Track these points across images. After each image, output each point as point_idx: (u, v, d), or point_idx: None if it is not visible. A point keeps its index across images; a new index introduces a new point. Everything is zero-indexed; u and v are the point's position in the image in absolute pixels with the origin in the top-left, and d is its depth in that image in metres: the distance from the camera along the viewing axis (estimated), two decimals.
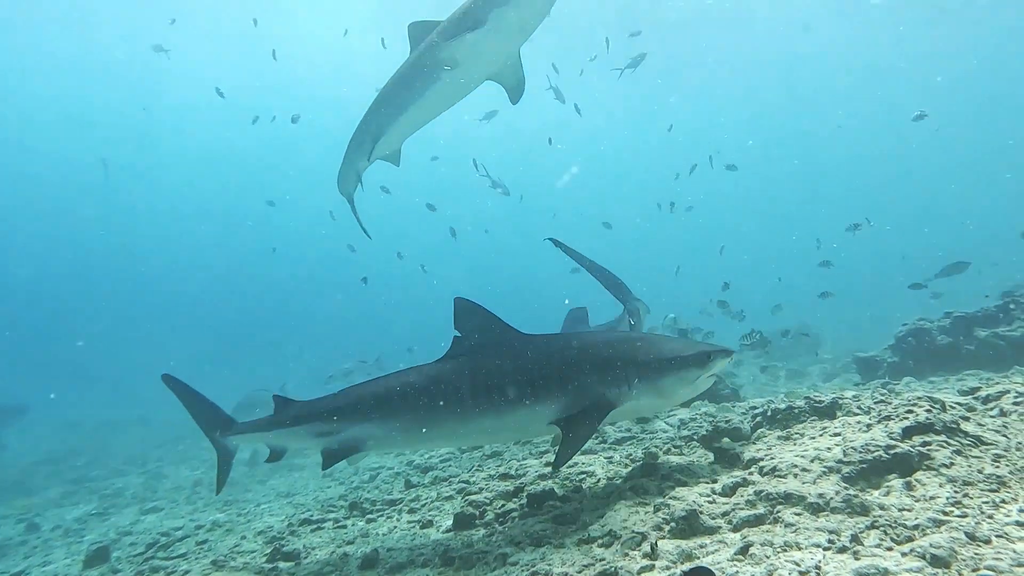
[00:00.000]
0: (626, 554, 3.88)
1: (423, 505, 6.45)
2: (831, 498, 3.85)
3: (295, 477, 11.07)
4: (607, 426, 8.23)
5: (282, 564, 5.16)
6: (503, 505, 5.43)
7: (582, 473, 6.00)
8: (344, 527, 6.27)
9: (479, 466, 7.87)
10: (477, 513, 5.31)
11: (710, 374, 5.15)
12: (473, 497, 5.73)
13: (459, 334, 5.28)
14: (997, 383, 5.91)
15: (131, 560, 6.24)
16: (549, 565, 3.98)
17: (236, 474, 12.71)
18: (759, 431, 5.77)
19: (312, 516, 6.71)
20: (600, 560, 3.81)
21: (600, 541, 4.18)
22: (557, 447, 4.95)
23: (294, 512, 7.52)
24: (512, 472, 6.69)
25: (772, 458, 4.79)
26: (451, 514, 5.47)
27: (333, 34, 38.30)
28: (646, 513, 4.44)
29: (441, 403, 5.04)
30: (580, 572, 3.79)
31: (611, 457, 6.55)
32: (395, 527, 5.86)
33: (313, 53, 49.46)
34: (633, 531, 4.13)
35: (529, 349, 5.18)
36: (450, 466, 8.44)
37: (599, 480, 5.71)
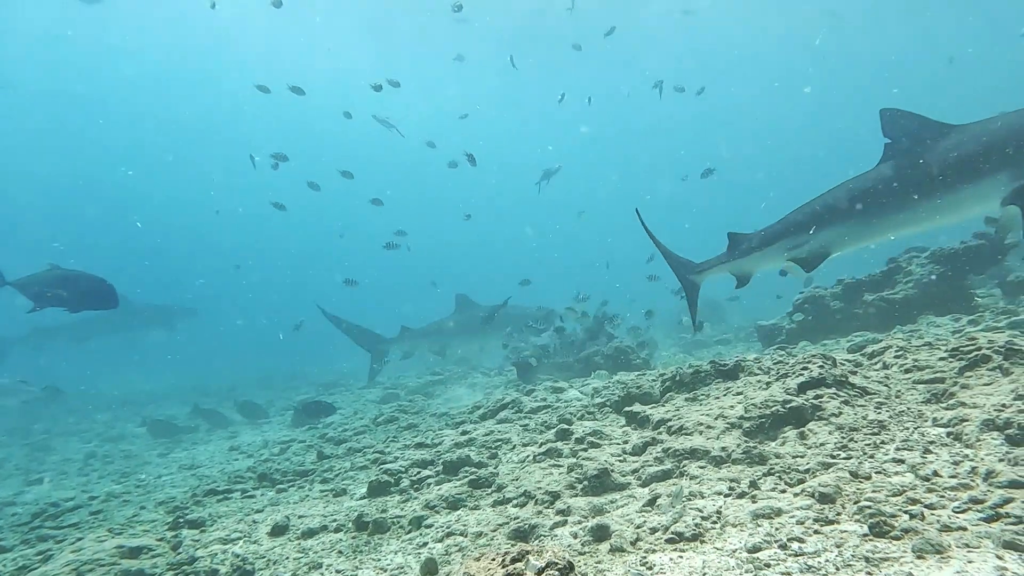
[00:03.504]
0: (540, 512, 3.92)
1: (336, 475, 6.26)
2: (732, 451, 4.04)
3: (199, 450, 10.47)
4: (523, 397, 8.30)
5: (186, 531, 4.87)
6: (419, 472, 5.35)
7: (498, 440, 6.01)
8: (253, 497, 5.99)
9: (394, 437, 7.75)
10: (392, 480, 5.21)
11: None
12: (388, 466, 5.62)
13: (889, 140, 5.98)
14: (881, 340, 6.38)
15: (14, 529, 5.68)
16: (464, 526, 3.97)
17: (134, 447, 11.97)
18: (668, 394, 5.97)
19: (218, 487, 6.37)
20: (515, 519, 3.83)
21: (515, 502, 4.22)
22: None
23: (198, 484, 7.12)
24: (428, 442, 6.62)
25: (680, 418, 4.99)
26: (365, 483, 5.34)
27: None
28: (560, 474, 4.51)
29: (892, 197, 5.79)
30: (495, 531, 3.80)
31: (526, 425, 6.61)
32: (307, 496, 5.66)
33: None
34: (547, 491, 4.18)
35: (962, 136, 5.61)
36: (364, 438, 8.25)
37: (514, 446, 5.74)
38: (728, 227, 7.50)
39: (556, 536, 3.50)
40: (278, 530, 4.57)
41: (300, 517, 4.84)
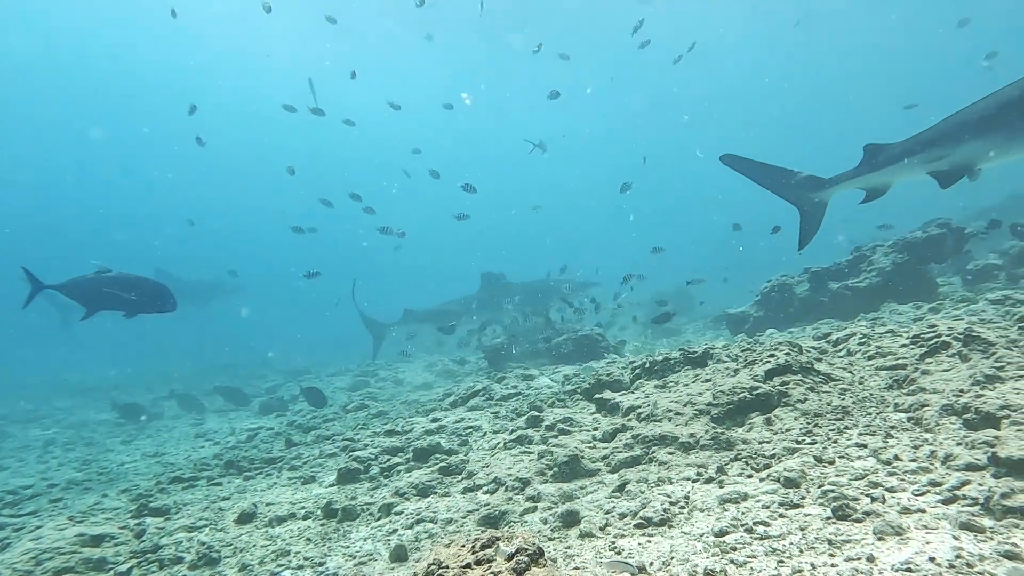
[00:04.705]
0: (510, 498, 3.92)
1: (305, 463, 6.19)
2: (701, 437, 4.09)
3: (164, 438, 10.24)
4: (494, 384, 8.30)
5: (150, 519, 4.76)
6: (388, 460, 5.31)
7: (469, 427, 6.00)
8: (219, 484, 5.89)
9: (364, 424, 7.68)
10: (362, 468, 5.16)
11: None
12: (358, 453, 5.56)
13: None
14: (845, 328, 6.54)
15: None
16: (434, 512, 3.95)
17: (96, 434, 11.67)
18: (638, 382, 6.01)
19: (184, 474, 6.24)
20: (485, 505, 3.82)
21: (485, 488, 4.21)
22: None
23: (163, 471, 6.98)
24: (398, 429, 6.58)
25: (649, 405, 5.02)
26: (335, 470, 5.28)
27: None
28: (530, 461, 4.51)
29: None
30: (465, 517, 3.78)
31: (497, 412, 6.61)
32: (275, 483, 5.58)
33: None
34: (517, 477, 4.18)
35: None
36: (334, 425, 8.18)
37: (485, 433, 5.73)
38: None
39: (526, 522, 3.50)
40: (245, 517, 4.50)
41: (268, 504, 4.77)
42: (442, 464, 4.79)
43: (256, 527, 4.36)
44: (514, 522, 3.55)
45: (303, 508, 4.55)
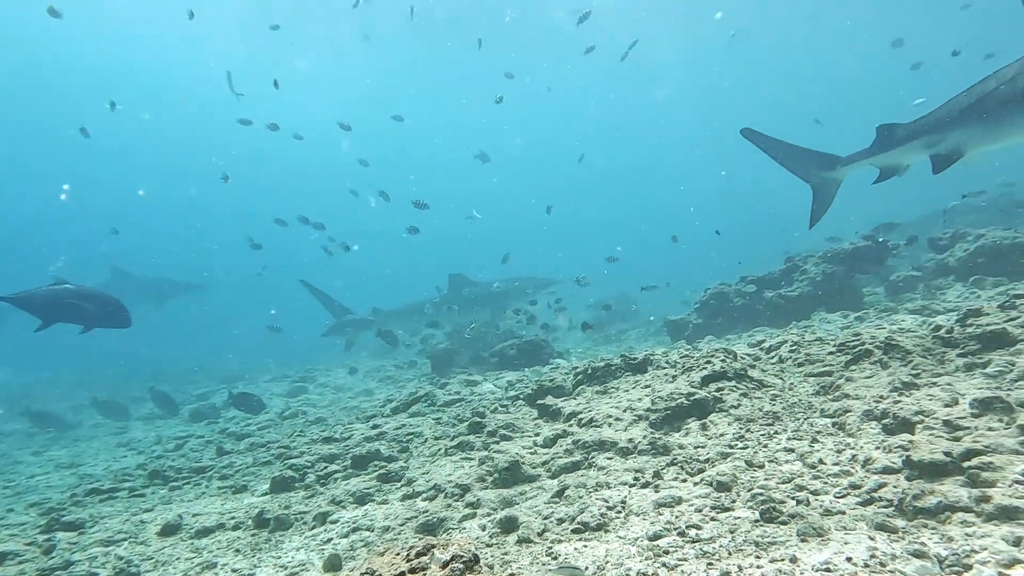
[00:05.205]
0: (449, 505, 3.88)
1: (237, 471, 5.94)
2: (639, 442, 4.15)
3: (82, 448, 9.63)
4: (437, 390, 8.23)
5: (62, 534, 4.44)
6: (326, 467, 5.17)
7: (410, 434, 5.91)
8: (142, 496, 5.57)
9: (301, 432, 7.46)
10: (297, 476, 5.00)
11: None
12: (293, 461, 5.39)
13: None
14: (778, 335, 6.79)
15: None
16: (372, 520, 3.86)
17: (4, 446, 10.87)
18: (580, 388, 6.07)
19: (102, 486, 5.87)
20: (424, 512, 3.77)
21: (425, 495, 4.15)
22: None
23: (79, 483, 6.56)
24: (336, 436, 6.41)
25: (590, 410, 5.07)
26: (268, 479, 5.09)
27: None
28: (471, 467, 4.48)
29: None
30: (403, 525, 3.72)
31: (439, 418, 6.54)
32: (203, 493, 5.33)
33: None
34: (457, 484, 4.14)
35: None
36: (269, 432, 7.90)
37: (426, 439, 5.66)
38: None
39: (465, 528, 3.47)
40: (169, 529, 4.28)
41: (195, 515, 4.55)
42: (381, 471, 4.70)
43: (181, 539, 4.15)
44: (452, 529, 3.51)
45: (233, 518, 4.36)
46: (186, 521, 4.41)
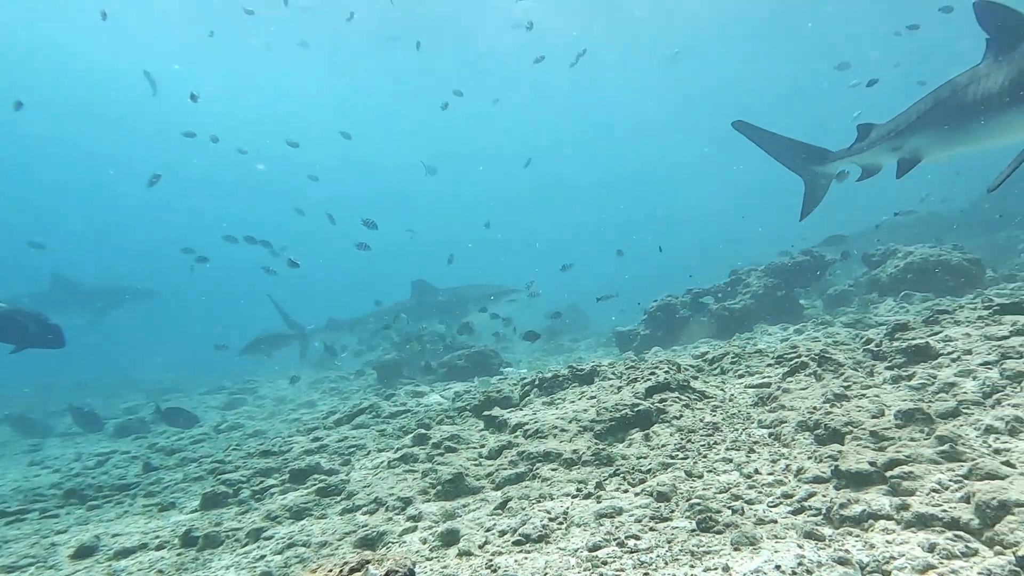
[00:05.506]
0: (390, 519, 3.79)
1: (165, 488, 5.65)
2: (583, 453, 4.16)
3: None
4: (382, 402, 8.08)
5: None
6: (262, 482, 4.98)
7: (352, 446, 5.77)
8: (56, 516, 5.21)
9: (237, 445, 7.17)
10: (231, 491, 4.80)
11: None
12: (228, 476, 5.16)
13: (988, 36, 5.43)
14: (721, 347, 6.96)
15: None
16: (308, 536, 3.73)
17: None
18: (527, 398, 6.07)
19: (9, 508, 5.45)
20: (363, 527, 3.67)
21: (365, 509, 4.05)
22: None
23: None
24: (275, 449, 6.19)
25: (536, 421, 5.06)
26: (199, 495, 4.87)
27: None
28: (414, 479, 4.40)
29: (986, 100, 5.22)
30: (341, 540, 3.60)
31: (384, 430, 6.42)
32: (126, 512, 5.03)
33: None
34: (399, 497, 4.06)
35: None
36: (203, 447, 7.56)
37: (369, 452, 5.54)
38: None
39: (405, 542, 3.39)
40: (84, 551, 4.02)
41: (114, 536, 4.29)
42: (320, 485, 4.56)
43: (97, 561, 3.90)
44: (392, 543, 3.42)
45: (157, 537, 4.13)
46: (104, 542, 4.15)
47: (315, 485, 4.64)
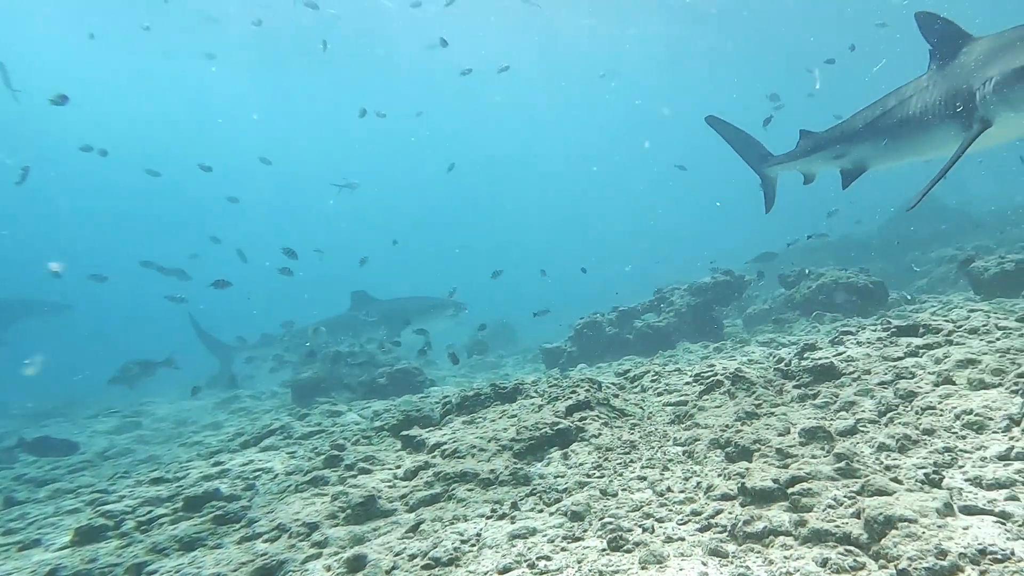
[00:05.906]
0: (293, 545, 3.55)
1: (30, 524, 5.01)
2: (500, 473, 4.07)
3: None
4: (295, 422, 7.68)
5: None
6: (150, 512, 4.53)
7: (257, 470, 5.43)
8: None
9: (125, 472, 6.59)
10: (111, 524, 4.34)
11: None
12: (109, 507, 4.65)
13: (931, 46, 5.42)
14: (643, 365, 7.06)
15: None
16: (199, 568, 3.43)
17: None
18: (448, 417, 5.93)
19: None
20: (262, 555, 3.41)
21: (266, 536, 3.78)
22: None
23: None
24: (168, 476, 5.69)
25: (455, 441, 4.93)
26: (72, 529, 4.40)
27: None
28: (322, 503, 4.17)
29: (925, 112, 5.21)
30: (236, 571, 3.33)
31: (294, 452, 6.10)
32: None
33: None
34: (305, 522, 3.82)
35: (997, 44, 4.77)
36: (83, 475, 6.86)
37: (276, 476, 5.22)
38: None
39: (307, 570, 3.18)
40: None
41: None
42: (218, 512, 4.22)
43: None
44: (293, 572, 3.21)
45: None
46: None
47: (211, 512, 4.29)
